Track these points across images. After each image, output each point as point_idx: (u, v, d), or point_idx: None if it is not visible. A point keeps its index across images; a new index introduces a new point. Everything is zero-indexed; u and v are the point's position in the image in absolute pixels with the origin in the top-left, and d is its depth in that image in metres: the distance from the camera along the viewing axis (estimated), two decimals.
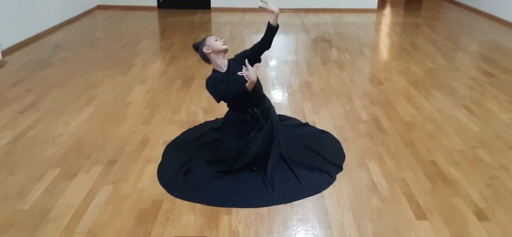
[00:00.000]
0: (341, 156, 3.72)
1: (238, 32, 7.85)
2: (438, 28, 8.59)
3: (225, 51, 3.43)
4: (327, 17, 9.54)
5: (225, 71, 3.43)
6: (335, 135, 4.07)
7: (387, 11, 10.48)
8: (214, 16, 9.54)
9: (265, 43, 3.46)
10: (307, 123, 4.30)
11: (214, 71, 3.48)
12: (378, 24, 9.16)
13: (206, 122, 4.32)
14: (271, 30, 3.43)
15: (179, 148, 3.81)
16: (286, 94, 5.05)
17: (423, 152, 3.79)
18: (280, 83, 5.39)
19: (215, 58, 3.42)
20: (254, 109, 3.47)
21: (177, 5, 10.11)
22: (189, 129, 4.19)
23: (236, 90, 3.31)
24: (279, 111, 4.58)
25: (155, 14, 9.69)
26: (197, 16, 9.43)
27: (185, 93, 5.05)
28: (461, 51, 6.94)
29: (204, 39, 3.48)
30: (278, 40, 7.41)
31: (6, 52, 6.35)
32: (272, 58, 6.48)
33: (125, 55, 6.50)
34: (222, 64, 3.44)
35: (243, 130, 3.53)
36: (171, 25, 8.60)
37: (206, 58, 3.46)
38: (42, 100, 4.82)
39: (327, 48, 7.04)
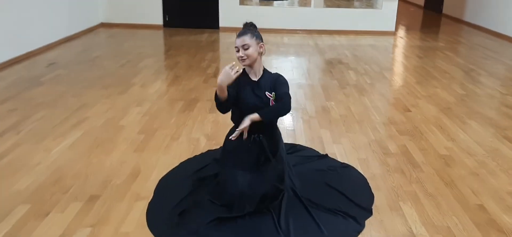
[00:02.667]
0: (369, 197, 3.10)
1: None
2: (462, 52, 7.98)
3: (242, 60, 2.91)
4: (342, 39, 8.98)
5: (256, 81, 2.92)
6: (360, 170, 3.45)
7: (404, 34, 9.90)
8: (222, 36, 9.02)
9: None
10: (326, 155, 3.68)
11: (243, 72, 2.94)
12: (396, 47, 8.57)
13: (209, 152, 3.72)
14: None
15: (175, 183, 3.20)
16: (301, 121, 4.45)
17: (467, 194, 3.15)
18: (294, 108, 4.79)
19: (258, 60, 2.93)
20: (260, 136, 2.87)
21: (184, 24, 9.62)
22: (189, 160, 3.58)
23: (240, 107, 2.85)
24: (293, 139, 3.98)
25: (160, 32, 9.19)
26: (204, 36, 8.92)
27: (186, 117, 4.46)
28: (491, 76, 6.32)
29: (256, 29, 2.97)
30: (290, 62, 6.85)
31: None
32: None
33: (124, 74, 5.96)
34: (257, 71, 2.93)
35: (245, 162, 2.93)
36: (176, 44, 8.08)
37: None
38: (25, 121, 4.26)
39: (344, 70, 6.45)
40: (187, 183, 3.16)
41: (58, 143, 3.82)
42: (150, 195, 3.05)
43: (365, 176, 3.37)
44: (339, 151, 3.79)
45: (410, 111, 4.78)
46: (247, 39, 2.84)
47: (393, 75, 6.31)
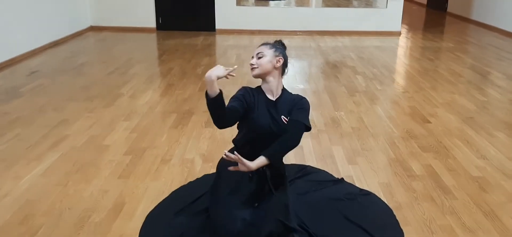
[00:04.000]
0: (398, 234, 2.59)
1: (246, 57, 6.79)
2: (474, 53, 7.49)
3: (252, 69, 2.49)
4: (346, 40, 8.48)
5: (273, 100, 2.47)
6: (383, 198, 2.95)
7: (408, 34, 9.41)
8: (219, 39, 8.50)
9: None
10: (342, 180, 3.18)
11: (258, 90, 2.51)
12: (404, 48, 8.08)
13: (205, 176, 3.21)
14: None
15: (165, 221, 2.69)
16: (309, 135, 3.94)
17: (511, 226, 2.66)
18: None
19: (275, 76, 2.49)
20: (263, 166, 2.38)
21: (178, 27, 9.10)
22: (182, 188, 3.07)
23: (253, 128, 2.41)
24: (302, 159, 3.47)
25: (153, 36, 8.67)
26: (200, 39, 8.39)
27: (180, 133, 3.95)
28: (510, 80, 5.83)
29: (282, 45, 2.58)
30: (292, 66, 6.33)
31: None
32: (286, 88, 5.39)
33: (112, 83, 5.44)
34: (274, 88, 2.48)
35: (244, 194, 2.44)
36: (170, 48, 7.55)
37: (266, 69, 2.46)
38: None
39: (351, 75, 5.94)
40: (179, 220, 2.65)
41: (31, 169, 3.30)
42: (135, 236, 2.53)
43: (389, 205, 2.86)
44: (356, 173, 3.28)
45: (429, 122, 4.28)
46: (265, 48, 2.46)
47: (404, 80, 5.81)
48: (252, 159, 2.31)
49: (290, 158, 3.43)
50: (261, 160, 2.29)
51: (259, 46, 2.48)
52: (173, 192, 3.01)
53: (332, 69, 6.31)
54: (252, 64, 2.43)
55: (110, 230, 2.59)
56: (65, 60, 6.59)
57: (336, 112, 4.52)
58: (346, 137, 3.93)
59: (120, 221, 2.69)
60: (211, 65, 6.43)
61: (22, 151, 3.58)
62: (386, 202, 2.90)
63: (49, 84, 5.34)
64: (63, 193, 2.98)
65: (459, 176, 3.24)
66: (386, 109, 4.66)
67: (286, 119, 2.40)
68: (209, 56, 7.02)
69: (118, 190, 3.02)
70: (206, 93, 2.20)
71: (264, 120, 2.38)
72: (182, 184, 3.11)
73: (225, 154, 2.21)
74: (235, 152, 2.29)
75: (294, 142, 2.39)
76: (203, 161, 3.44)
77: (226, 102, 2.27)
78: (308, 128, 2.45)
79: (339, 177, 3.20)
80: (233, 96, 2.41)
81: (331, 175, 3.25)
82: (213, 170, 3.23)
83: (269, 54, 2.45)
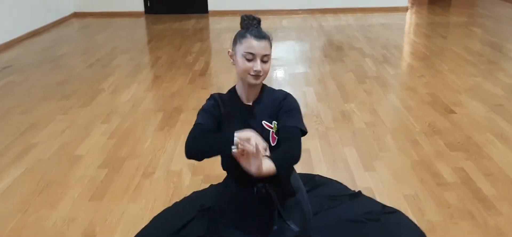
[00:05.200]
0: None
1: None
2: (491, 28, 6.88)
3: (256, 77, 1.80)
4: (349, 19, 7.86)
5: (249, 105, 1.90)
6: (411, 216, 2.40)
7: (414, 8, 8.77)
8: (212, 21, 7.88)
9: None
10: (359, 193, 2.62)
11: (230, 92, 1.94)
12: (413, 25, 7.47)
13: (194, 194, 2.66)
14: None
15: None
16: (316, 134, 3.39)
17: None
18: (305, 116, 3.70)
19: (239, 78, 1.89)
20: (266, 185, 1.86)
21: (168, 10, 8.46)
22: (165, 211, 2.52)
23: (216, 147, 1.76)
24: (309, 166, 2.92)
25: (141, 21, 8.05)
26: (191, 22, 7.77)
27: (165, 137, 3.39)
28: None
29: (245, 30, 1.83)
30: (293, 50, 5.75)
31: None
32: (287, 75, 4.82)
33: (92, 77, 4.86)
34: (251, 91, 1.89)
35: (245, 225, 1.90)
36: (159, 34, 6.95)
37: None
38: None
39: (359, 58, 5.36)
40: None
41: None
42: None
43: (419, 226, 2.32)
44: (375, 183, 2.74)
45: (454, 112, 3.72)
46: (269, 47, 1.81)
47: (418, 62, 5.22)
48: (243, 179, 1.76)
49: (296, 166, 2.87)
50: (268, 165, 1.67)
51: (258, 40, 1.77)
52: (155, 218, 2.46)
53: (337, 51, 5.71)
54: (258, 72, 1.77)
55: None
56: (43, 51, 6.00)
57: (346, 104, 3.95)
58: (359, 135, 3.37)
59: None
60: (204, 51, 5.85)
61: None
62: (415, 222, 2.36)
63: (21, 81, 4.77)
64: (20, 223, 2.44)
65: (499, 183, 2.70)
66: (402, 97, 4.09)
67: (268, 124, 1.84)
68: (201, 41, 6.42)
69: (87, 218, 2.47)
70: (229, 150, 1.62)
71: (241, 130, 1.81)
72: (166, 205, 2.56)
73: (235, 147, 1.61)
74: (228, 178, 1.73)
75: (291, 158, 1.80)
76: (192, 173, 2.89)
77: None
78: (304, 133, 1.87)
79: (356, 190, 2.65)
80: (205, 108, 1.86)
81: (346, 187, 2.70)
82: (204, 185, 2.70)
83: (271, 52, 1.86)
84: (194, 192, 2.67)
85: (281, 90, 1.96)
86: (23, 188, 2.78)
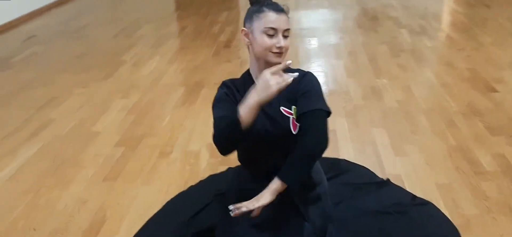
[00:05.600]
0: None
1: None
2: None
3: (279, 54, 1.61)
4: None
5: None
6: (443, 209, 2.19)
7: None
8: None
9: None
10: (388, 181, 2.41)
11: (244, 77, 1.75)
12: None
13: (210, 178, 2.52)
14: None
15: None
16: (343, 113, 3.17)
17: None
18: (333, 92, 3.49)
19: (254, 60, 1.69)
20: None
21: None
22: (180, 196, 2.39)
23: (229, 130, 1.54)
24: (334, 149, 2.72)
25: None
26: None
27: (185, 114, 3.25)
28: None
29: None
30: (324, 19, 5.47)
31: None
32: (314, 48, 4.58)
33: (114, 48, 4.75)
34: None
35: (260, 221, 1.75)
36: (185, 2, 6.76)
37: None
38: None
39: (394, 29, 5.04)
40: None
41: (1, 169, 2.69)
42: None
43: (454, 221, 2.10)
44: (406, 169, 2.52)
45: (496, 90, 3.42)
46: (288, 21, 1.63)
47: (459, 34, 4.86)
48: (260, 171, 1.64)
49: None
50: (276, 185, 1.56)
51: (278, 13, 1.60)
52: (167, 203, 2.33)
53: (371, 21, 5.40)
54: (280, 49, 1.59)
55: None
56: (67, 21, 5.93)
57: (378, 80, 3.69)
58: (390, 114, 3.13)
59: None
60: (230, 21, 5.65)
61: None
62: (448, 216, 2.14)
63: (43, 52, 4.71)
64: (31, 205, 2.36)
65: None
66: (439, 73, 3.80)
67: (287, 110, 1.65)
68: (229, 10, 6.20)
69: (99, 201, 2.37)
70: (237, 120, 1.47)
71: (260, 119, 1.62)
72: (181, 189, 2.43)
73: (231, 213, 1.51)
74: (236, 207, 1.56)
75: (319, 146, 1.63)
76: (210, 154, 2.74)
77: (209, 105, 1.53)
78: (328, 113, 1.67)
79: (384, 177, 2.44)
80: (219, 98, 1.68)
81: (373, 173, 2.49)
82: (222, 167, 2.55)
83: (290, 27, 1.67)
84: (210, 176, 2.53)
85: (299, 69, 1.75)
86: (37, 166, 2.70)
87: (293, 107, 1.67)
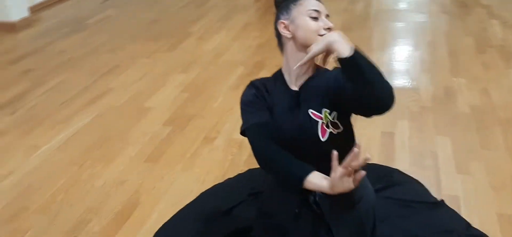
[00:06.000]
0: None
1: None
2: None
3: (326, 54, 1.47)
4: None
5: (295, 91, 1.55)
6: None
7: None
8: None
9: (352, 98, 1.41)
10: (441, 203, 2.15)
11: (275, 77, 1.61)
12: None
13: (249, 172, 2.41)
14: (347, 69, 1.35)
15: None
16: (408, 114, 2.90)
17: None
18: (398, 89, 3.21)
19: (294, 53, 1.52)
20: (316, 195, 1.54)
21: None
22: (215, 187, 2.31)
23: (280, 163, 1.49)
24: (389, 156, 2.49)
25: None
26: None
27: (237, 97, 3.11)
28: None
29: None
30: (407, 0, 5.06)
31: (38, 7, 4.93)
32: (391, 33, 4.24)
33: (183, 18, 4.73)
34: (298, 72, 1.54)
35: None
36: None
37: (279, 40, 1.58)
38: (31, 93, 3.29)
39: (484, 19, 4.53)
40: None
41: (53, 136, 2.78)
42: None
43: None
44: (466, 190, 2.24)
45: None
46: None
47: None
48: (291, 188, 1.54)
49: (372, 152, 2.48)
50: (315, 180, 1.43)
51: None
52: (202, 193, 2.26)
53: (460, 8, 4.90)
54: (329, 29, 1.46)
55: None
56: None
57: (454, 78, 3.34)
58: (460, 122, 2.81)
59: (123, 233, 2.04)
60: None
61: (54, 108, 3.08)
62: None
63: (117, 16, 4.81)
64: (72, 179, 2.40)
65: None
66: None
67: (316, 113, 1.49)
68: None
69: (136, 182, 2.36)
70: (299, 182, 1.43)
71: (285, 124, 1.51)
72: (219, 179, 2.35)
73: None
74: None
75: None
76: None
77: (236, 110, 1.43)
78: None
79: (439, 197, 2.19)
80: (247, 101, 1.56)
81: (427, 191, 2.24)
82: None
83: None
84: (249, 170, 2.42)
85: (336, 67, 1.57)
86: (87, 138, 2.76)
87: (324, 110, 1.50)
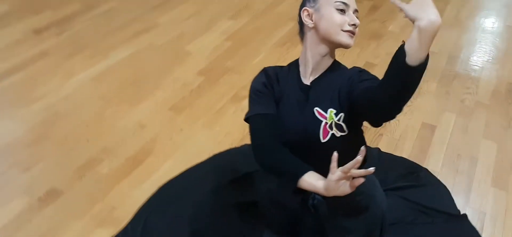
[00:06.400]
0: None
1: None
2: None
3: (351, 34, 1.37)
4: None
5: (305, 86, 1.44)
6: None
7: None
8: None
9: (377, 101, 1.21)
10: (462, 216, 1.97)
11: (290, 67, 1.50)
12: None
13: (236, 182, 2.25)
14: (397, 71, 1.11)
15: (175, 204, 1.97)
16: (456, 109, 2.64)
17: None
18: (455, 75, 2.92)
19: (314, 44, 1.41)
20: (315, 198, 1.51)
21: None
22: (228, 152, 2.25)
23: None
24: (419, 153, 2.29)
25: None
26: None
27: (279, 57, 3.02)
28: None
29: None
30: None
31: None
32: (472, 2, 3.83)
33: None
34: (312, 64, 1.42)
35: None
36: None
37: (301, 28, 1.47)
38: (82, 15, 3.34)
39: None
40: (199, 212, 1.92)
41: (90, 65, 2.82)
42: (126, 218, 1.88)
43: None
44: (496, 208, 2.02)
45: None
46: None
47: None
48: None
49: (406, 143, 2.31)
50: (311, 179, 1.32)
51: None
52: (214, 156, 2.22)
53: None
54: (355, 25, 1.35)
55: (108, 194, 1.99)
56: None
57: None
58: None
59: (130, 180, 2.06)
60: None
61: (97, 36, 3.11)
62: None
63: None
64: (97, 114, 2.44)
65: None
66: None
67: (321, 112, 1.38)
68: None
69: (155, 130, 2.35)
70: (294, 182, 1.35)
71: (291, 118, 1.42)
72: (235, 144, 2.29)
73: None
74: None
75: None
76: None
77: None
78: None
79: (462, 210, 2.00)
80: (256, 88, 1.47)
81: (451, 200, 2.05)
82: None
83: None
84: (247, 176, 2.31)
85: (354, 67, 1.44)
86: (121, 73, 2.77)
87: (331, 110, 1.38)
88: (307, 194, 1.50)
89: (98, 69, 2.78)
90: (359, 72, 1.38)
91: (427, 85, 2.77)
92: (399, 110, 1.18)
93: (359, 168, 1.19)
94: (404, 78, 1.08)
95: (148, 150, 2.23)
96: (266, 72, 1.50)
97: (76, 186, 2.01)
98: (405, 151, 2.31)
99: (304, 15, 1.41)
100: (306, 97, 1.42)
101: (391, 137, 2.38)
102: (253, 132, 1.45)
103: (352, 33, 1.35)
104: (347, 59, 2.86)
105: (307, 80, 1.44)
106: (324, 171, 1.34)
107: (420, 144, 2.36)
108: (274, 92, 1.46)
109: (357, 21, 1.35)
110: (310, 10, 1.39)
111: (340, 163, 1.22)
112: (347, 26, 1.34)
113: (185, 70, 2.82)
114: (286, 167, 1.38)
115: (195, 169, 2.15)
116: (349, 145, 1.39)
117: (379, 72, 2.75)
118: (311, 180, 1.31)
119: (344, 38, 1.35)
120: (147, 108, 2.50)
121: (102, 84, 2.67)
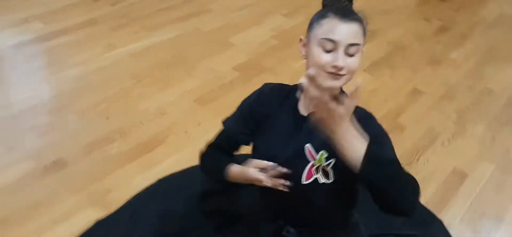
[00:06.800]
0: None
1: None
2: None
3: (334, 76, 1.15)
4: None
5: (302, 118, 1.28)
6: None
7: None
8: None
9: None
10: None
11: (291, 90, 1.34)
12: None
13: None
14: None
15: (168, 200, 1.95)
16: (498, 157, 2.37)
17: None
18: (503, 119, 2.62)
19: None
20: (290, 229, 1.37)
21: None
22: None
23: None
24: (443, 196, 2.09)
25: None
26: None
27: None
28: None
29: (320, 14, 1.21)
30: None
31: None
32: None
33: None
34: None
35: None
36: None
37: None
38: None
39: None
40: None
41: (131, 41, 2.87)
42: (114, 205, 1.90)
43: None
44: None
45: None
46: (360, 34, 1.15)
47: None
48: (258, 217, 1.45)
49: (429, 186, 2.11)
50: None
51: (345, 21, 1.12)
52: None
53: None
54: (338, 69, 1.12)
55: (109, 175, 2.02)
56: None
57: None
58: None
59: (133, 166, 2.07)
60: None
61: (148, 12, 3.16)
62: None
63: None
64: (123, 92, 2.48)
65: None
66: None
67: (312, 152, 1.23)
68: None
69: (174, 119, 2.35)
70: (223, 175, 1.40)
71: (277, 147, 1.28)
72: (247, 151, 2.22)
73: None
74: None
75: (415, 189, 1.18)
76: None
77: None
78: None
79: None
80: (245, 103, 1.43)
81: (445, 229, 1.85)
82: None
83: (361, 45, 1.16)
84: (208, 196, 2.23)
85: (362, 108, 1.27)
86: (159, 54, 2.79)
87: (323, 152, 1.24)
88: (280, 226, 1.41)
89: (140, 46, 2.82)
90: (365, 120, 1.16)
91: (473, 126, 2.51)
92: (399, 211, 1.08)
93: None
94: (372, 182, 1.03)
95: (160, 139, 2.23)
96: (263, 90, 1.39)
97: (82, 161, 2.05)
98: (425, 195, 2.11)
99: (300, 45, 1.28)
100: (299, 129, 1.29)
101: (415, 175, 2.18)
102: (214, 138, 1.46)
103: (334, 75, 1.13)
104: (394, 82, 2.67)
105: (305, 110, 1.30)
106: (295, 216, 1.24)
107: (444, 191, 2.15)
108: (260, 112, 1.35)
109: (340, 64, 1.11)
110: (304, 40, 1.25)
111: (314, 216, 1.12)
112: (329, 67, 1.12)
113: (222, 62, 2.79)
114: (218, 163, 1.40)
115: (197, 168, 2.11)
116: (332, 196, 1.27)
117: (425, 102, 2.56)
118: (237, 169, 1.32)
119: (325, 81, 1.09)
120: (173, 95, 2.49)
121: (139, 61, 2.70)
